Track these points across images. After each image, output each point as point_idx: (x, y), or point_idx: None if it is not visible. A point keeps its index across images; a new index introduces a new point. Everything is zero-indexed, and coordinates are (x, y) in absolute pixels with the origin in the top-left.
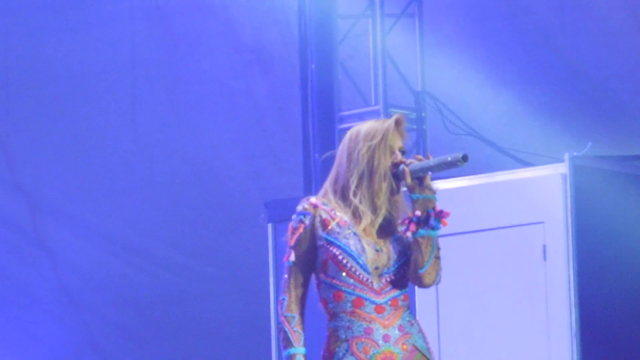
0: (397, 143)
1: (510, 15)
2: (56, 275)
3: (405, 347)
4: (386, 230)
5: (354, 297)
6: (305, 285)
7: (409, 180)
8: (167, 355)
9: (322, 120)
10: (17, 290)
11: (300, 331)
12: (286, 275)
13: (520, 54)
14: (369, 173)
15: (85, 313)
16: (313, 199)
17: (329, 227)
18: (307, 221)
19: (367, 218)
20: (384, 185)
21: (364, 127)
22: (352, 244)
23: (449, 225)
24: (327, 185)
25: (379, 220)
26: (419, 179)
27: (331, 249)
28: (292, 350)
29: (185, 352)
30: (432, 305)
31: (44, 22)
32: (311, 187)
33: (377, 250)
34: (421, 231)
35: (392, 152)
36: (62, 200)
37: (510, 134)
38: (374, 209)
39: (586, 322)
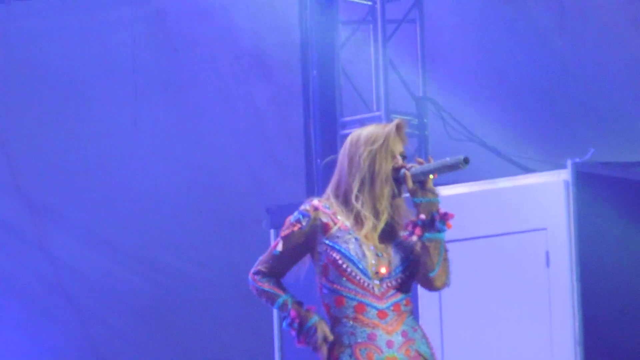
0: (398, 148)
1: (511, 21)
2: (57, 280)
3: (408, 353)
4: (388, 235)
5: (355, 303)
6: (281, 277)
7: (410, 184)
8: None
9: (323, 126)
10: (18, 295)
11: (282, 286)
12: (265, 256)
13: (521, 60)
14: (371, 178)
15: (86, 319)
16: (316, 201)
17: (330, 232)
18: (304, 222)
19: (369, 223)
20: (386, 190)
21: (364, 131)
22: (352, 248)
23: (451, 232)
24: (329, 190)
25: (381, 225)
26: (421, 182)
27: (331, 253)
28: (280, 299)
29: (188, 357)
30: (435, 311)
31: (45, 26)
32: (313, 192)
33: (378, 255)
34: (428, 234)
35: (393, 157)
36: (63, 206)
37: (512, 140)
38: (376, 214)
39: (589, 329)
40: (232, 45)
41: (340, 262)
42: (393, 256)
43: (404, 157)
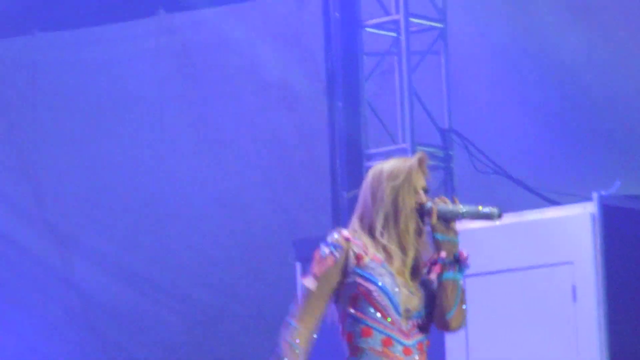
0: (421, 182)
1: (537, 53)
2: (83, 312)
3: None
4: (415, 272)
5: (384, 336)
6: (319, 318)
7: (434, 219)
8: None
9: (349, 158)
10: (44, 326)
11: None
12: (302, 302)
13: (547, 91)
14: (394, 213)
15: (112, 350)
16: (345, 232)
17: (363, 262)
18: (337, 254)
19: (398, 258)
20: (411, 226)
21: (386, 166)
22: (388, 282)
23: (478, 265)
24: (355, 222)
25: (409, 261)
26: (446, 220)
27: (366, 284)
28: None
29: None
30: (462, 347)
31: (71, 58)
32: (339, 225)
33: (410, 292)
34: (448, 274)
35: (416, 192)
36: (89, 237)
37: (539, 173)
38: (403, 250)
39: None
40: (257, 77)
41: (375, 294)
42: (422, 295)
43: (426, 191)
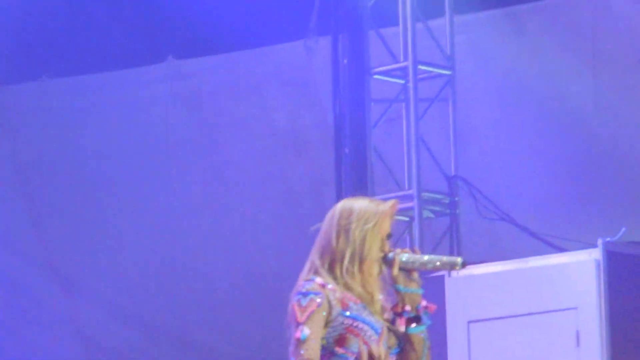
0: (387, 228)
1: (544, 100)
2: (88, 357)
3: None
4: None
5: None
6: None
7: (396, 270)
8: None
9: None
10: None
11: None
12: (301, 352)
13: (553, 138)
14: (360, 256)
15: None
16: (319, 279)
17: (348, 306)
18: (318, 299)
19: (368, 299)
20: (374, 270)
21: (356, 205)
22: (374, 321)
23: (482, 310)
24: (315, 259)
25: (377, 301)
26: (407, 270)
27: (356, 324)
28: None
29: None
30: None
31: (80, 104)
32: None
33: (387, 330)
34: (413, 329)
35: (382, 240)
36: (96, 283)
37: (544, 219)
38: (366, 291)
39: None
40: (266, 123)
41: (369, 333)
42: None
43: (389, 237)
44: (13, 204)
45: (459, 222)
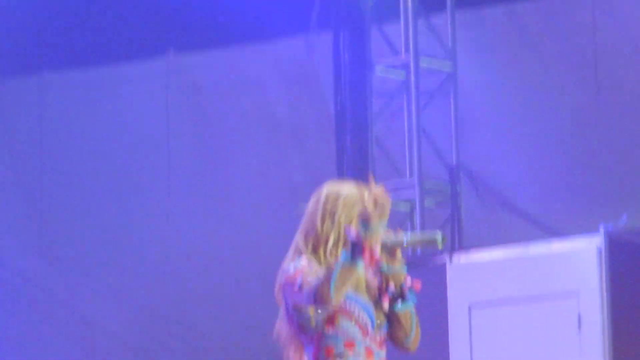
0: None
1: (545, 93)
2: (90, 341)
3: None
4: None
5: (364, 347)
6: None
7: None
8: None
9: None
10: (51, 357)
11: None
12: (307, 288)
13: (554, 130)
14: (344, 240)
15: None
16: (304, 260)
17: None
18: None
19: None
20: None
21: (343, 191)
22: (362, 300)
23: (485, 295)
24: (299, 241)
25: (361, 281)
26: (390, 251)
27: (348, 303)
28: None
29: None
30: None
31: (80, 98)
32: None
33: (375, 308)
34: (398, 306)
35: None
36: (99, 275)
37: (545, 206)
38: None
39: None
40: (267, 116)
41: (356, 312)
42: (380, 310)
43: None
44: (12, 199)
45: (460, 211)
